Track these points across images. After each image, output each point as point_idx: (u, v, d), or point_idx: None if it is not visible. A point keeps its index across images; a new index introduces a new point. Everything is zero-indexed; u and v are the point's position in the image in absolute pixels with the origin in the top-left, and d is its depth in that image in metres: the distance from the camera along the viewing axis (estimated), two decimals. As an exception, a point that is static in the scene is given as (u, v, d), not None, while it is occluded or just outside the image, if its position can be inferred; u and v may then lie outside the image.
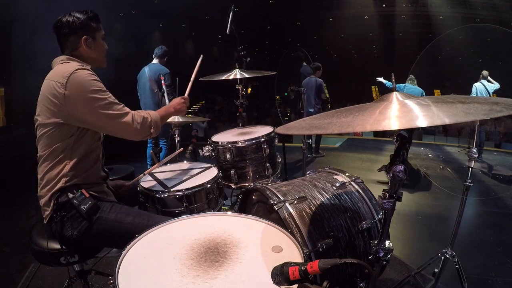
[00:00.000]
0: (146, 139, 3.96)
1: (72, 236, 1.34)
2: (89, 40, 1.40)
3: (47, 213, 1.36)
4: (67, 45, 1.40)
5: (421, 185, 4.23)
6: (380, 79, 5.19)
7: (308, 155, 5.37)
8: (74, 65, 1.33)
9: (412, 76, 4.61)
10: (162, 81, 3.48)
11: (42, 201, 1.38)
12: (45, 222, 1.38)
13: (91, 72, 1.34)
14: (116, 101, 1.36)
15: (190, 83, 1.79)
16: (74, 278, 1.52)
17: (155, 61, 3.91)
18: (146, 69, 3.89)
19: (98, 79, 1.35)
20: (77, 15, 1.37)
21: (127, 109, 1.38)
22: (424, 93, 4.55)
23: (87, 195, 1.35)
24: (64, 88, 1.26)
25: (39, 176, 1.39)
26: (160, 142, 4.13)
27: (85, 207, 1.33)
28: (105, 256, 1.61)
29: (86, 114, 1.30)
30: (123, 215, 1.38)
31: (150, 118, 1.43)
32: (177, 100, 1.63)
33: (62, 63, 1.36)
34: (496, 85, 5.17)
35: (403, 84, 4.55)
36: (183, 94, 1.72)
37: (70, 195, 1.32)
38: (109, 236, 1.38)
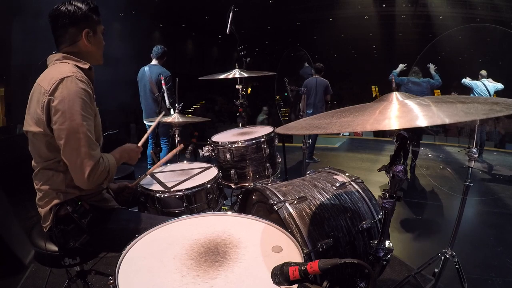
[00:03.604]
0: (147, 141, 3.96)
1: (73, 247, 1.31)
2: (90, 33, 1.29)
3: (46, 224, 1.31)
4: (66, 37, 1.27)
5: (421, 186, 4.23)
6: (400, 67, 4.56)
7: (307, 160, 5.23)
8: (67, 69, 1.21)
9: (417, 69, 4.35)
10: (162, 81, 3.47)
11: (40, 211, 1.32)
12: (44, 230, 1.34)
13: (83, 81, 1.21)
14: (93, 132, 1.23)
15: (146, 134, 1.75)
16: (74, 278, 1.52)
17: (154, 62, 3.85)
18: (146, 70, 3.83)
19: (89, 89, 1.23)
20: (79, 4, 1.25)
21: (98, 153, 1.22)
22: (430, 80, 4.28)
23: (87, 206, 1.30)
24: (47, 94, 1.15)
25: (35, 187, 1.31)
26: (161, 142, 4.13)
27: (86, 220, 1.28)
28: (105, 256, 1.61)
29: (57, 125, 1.16)
30: (126, 222, 1.35)
31: (109, 175, 1.27)
32: (133, 147, 1.49)
33: (58, 62, 1.26)
34: (499, 85, 5.07)
35: (406, 78, 4.35)
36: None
37: (70, 209, 1.27)
38: (112, 243, 1.34)
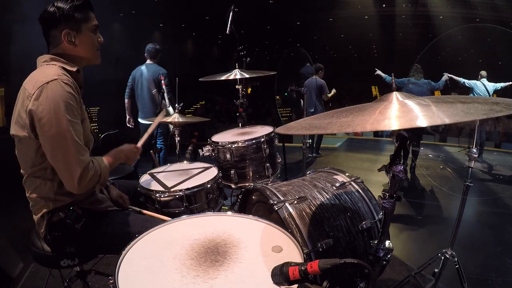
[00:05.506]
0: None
1: (69, 251, 1.30)
2: (71, 34, 1.21)
3: (41, 230, 1.29)
4: (50, 41, 1.24)
5: (421, 186, 4.23)
6: (379, 72, 4.82)
7: (309, 155, 5.36)
8: (52, 71, 1.16)
9: (419, 66, 4.24)
10: (162, 81, 3.45)
11: (34, 217, 1.31)
12: (41, 236, 1.32)
13: (69, 84, 1.16)
14: (81, 137, 1.19)
15: (147, 134, 1.72)
16: (74, 278, 1.52)
17: (149, 61, 3.79)
18: (143, 69, 3.77)
19: (76, 92, 1.19)
20: (59, 4, 1.19)
21: (87, 158, 1.19)
22: (431, 82, 4.26)
23: (79, 211, 1.27)
24: (31, 98, 1.12)
25: (26, 195, 1.29)
26: (158, 142, 4.08)
27: (80, 225, 1.26)
28: (105, 256, 1.61)
29: (43, 132, 1.12)
30: (121, 226, 1.32)
31: (100, 179, 1.24)
32: (130, 147, 1.48)
33: (45, 64, 1.22)
34: (499, 84, 5.03)
35: (407, 78, 4.31)
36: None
37: (62, 215, 1.25)
38: (108, 246, 1.33)
